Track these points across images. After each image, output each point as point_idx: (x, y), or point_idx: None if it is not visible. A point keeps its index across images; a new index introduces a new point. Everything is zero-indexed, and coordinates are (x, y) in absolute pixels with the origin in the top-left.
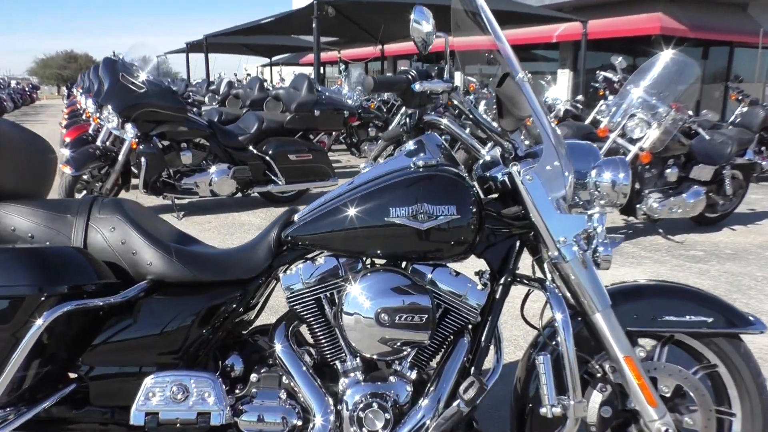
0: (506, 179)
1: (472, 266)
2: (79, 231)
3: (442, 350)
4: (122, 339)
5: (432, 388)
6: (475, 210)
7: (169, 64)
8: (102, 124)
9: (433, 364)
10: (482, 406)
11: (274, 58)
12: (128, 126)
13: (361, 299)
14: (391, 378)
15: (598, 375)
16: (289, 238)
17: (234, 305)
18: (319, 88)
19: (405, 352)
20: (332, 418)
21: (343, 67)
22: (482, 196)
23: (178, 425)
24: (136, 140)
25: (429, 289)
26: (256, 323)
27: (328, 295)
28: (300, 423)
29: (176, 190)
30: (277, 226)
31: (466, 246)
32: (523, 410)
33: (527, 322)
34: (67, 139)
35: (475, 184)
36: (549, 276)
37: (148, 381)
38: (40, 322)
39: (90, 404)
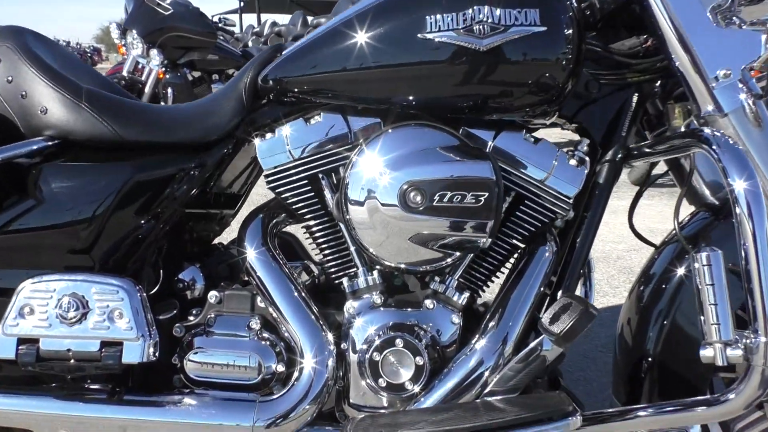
0: None
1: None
2: None
3: (509, 265)
4: (7, 223)
5: (492, 323)
6: (571, 31)
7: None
8: (126, 52)
9: (495, 286)
10: None
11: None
12: (153, 52)
13: (378, 172)
14: (427, 303)
15: None
16: (270, 82)
17: (181, 184)
18: None
19: (449, 262)
20: (331, 362)
21: None
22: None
23: (70, 360)
24: (163, 69)
25: (491, 155)
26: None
27: (329, 173)
28: (281, 368)
29: None
30: (254, 66)
31: (553, 93)
32: (638, 366)
33: (640, 237)
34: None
35: None
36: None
37: (25, 287)
38: None
39: None
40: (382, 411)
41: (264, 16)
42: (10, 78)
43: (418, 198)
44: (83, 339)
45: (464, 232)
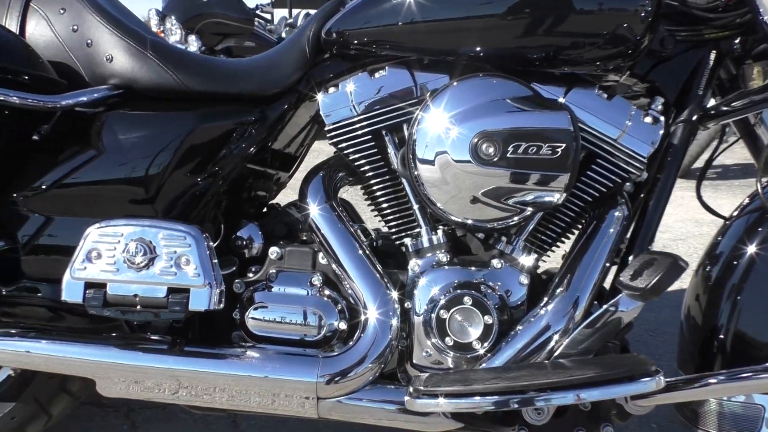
0: None
1: None
2: (15, 12)
3: (578, 228)
4: (71, 172)
5: (562, 287)
6: None
7: None
8: (165, 38)
9: (563, 248)
10: None
11: None
12: (192, 38)
13: (448, 125)
14: (494, 262)
15: None
16: (334, 35)
17: (242, 137)
18: None
19: (518, 219)
20: (395, 321)
21: None
22: None
23: (137, 306)
24: None
25: (566, 106)
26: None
27: (394, 128)
28: (343, 325)
29: None
30: (317, 20)
31: (629, 46)
32: (710, 339)
33: (708, 209)
34: None
35: None
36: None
37: (92, 232)
38: None
39: (24, 276)
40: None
41: (295, 11)
42: (75, 27)
43: (491, 150)
44: (150, 284)
45: (539, 185)
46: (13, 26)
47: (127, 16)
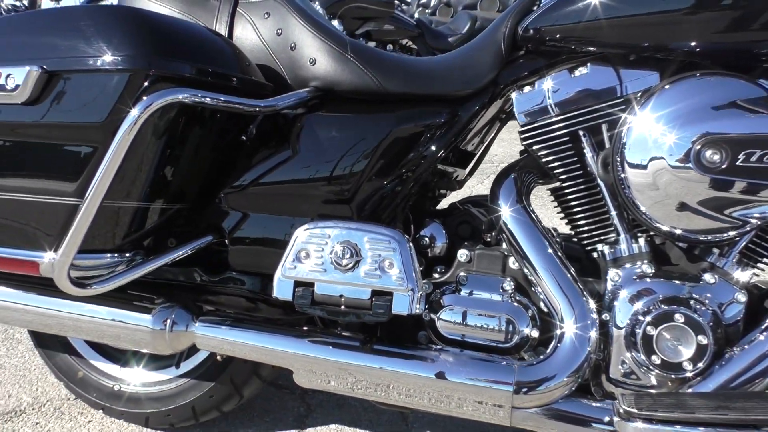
0: None
1: None
2: (224, 18)
3: None
4: (271, 171)
5: None
6: None
7: None
8: None
9: None
10: None
11: None
12: (334, 23)
13: (664, 127)
14: (707, 277)
15: None
16: (531, 31)
17: (435, 136)
18: None
19: (734, 234)
20: (593, 333)
21: None
22: None
23: (342, 306)
24: None
25: None
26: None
27: (593, 129)
28: (535, 333)
29: None
30: (512, 16)
31: None
32: None
33: None
34: None
35: None
36: None
37: (301, 234)
38: (135, 113)
39: (230, 267)
40: (650, 390)
41: None
42: (279, 31)
43: (716, 157)
44: (355, 286)
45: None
46: (222, 31)
47: (323, 19)
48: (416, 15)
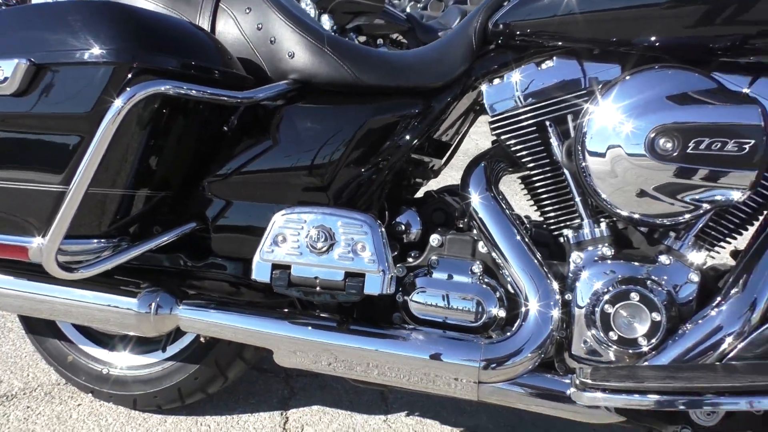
0: None
1: None
2: (207, 13)
3: (753, 224)
4: (251, 160)
5: (737, 286)
6: None
7: None
8: None
9: (733, 244)
10: None
11: None
12: (324, 18)
13: (621, 118)
14: (662, 258)
15: None
16: (500, 26)
17: (409, 126)
18: None
19: (689, 217)
20: (556, 312)
21: None
22: None
23: (317, 288)
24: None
25: (754, 97)
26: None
27: (559, 120)
28: (502, 313)
29: None
30: (483, 11)
31: None
32: None
33: None
34: None
35: None
36: None
37: (278, 219)
38: (119, 104)
39: (213, 253)
40: (608, 365)
41: None
42: (260, 25)
43: (669, 145)
44: (330, 268)
45: (720, 182)
46: (205, 26)
47: (303, 14)
48: (408, 9)
